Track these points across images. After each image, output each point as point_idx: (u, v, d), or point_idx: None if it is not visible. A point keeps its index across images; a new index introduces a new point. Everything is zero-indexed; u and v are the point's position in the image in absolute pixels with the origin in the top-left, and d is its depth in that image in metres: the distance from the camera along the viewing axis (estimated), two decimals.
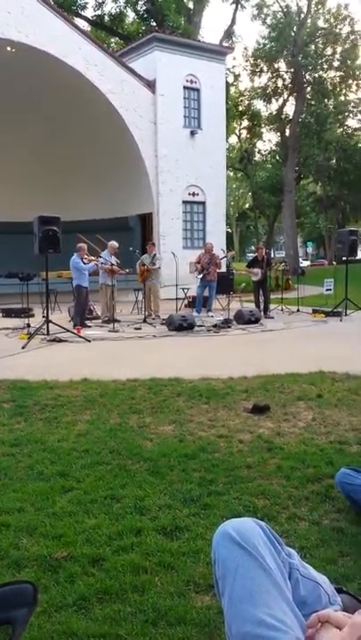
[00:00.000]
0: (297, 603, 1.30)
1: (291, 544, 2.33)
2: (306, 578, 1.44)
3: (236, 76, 38.21)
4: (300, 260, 43.97)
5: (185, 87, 19.65)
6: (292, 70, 35.08)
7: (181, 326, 10.38)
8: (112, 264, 11.85)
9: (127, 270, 12.45)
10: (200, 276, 13.30)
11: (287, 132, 36.45)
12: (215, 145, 20.48)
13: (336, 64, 35.88)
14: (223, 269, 14.66)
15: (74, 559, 2.46)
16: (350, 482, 2.89)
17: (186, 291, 14.35)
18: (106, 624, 2.02)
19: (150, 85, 18.63)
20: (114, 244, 12.31)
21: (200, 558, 2.44)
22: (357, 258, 15.27)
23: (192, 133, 19.75)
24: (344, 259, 13.38)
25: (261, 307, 13.05)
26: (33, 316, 11.96)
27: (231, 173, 47.77)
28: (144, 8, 29.07)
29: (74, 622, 2.02)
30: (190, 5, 30.23)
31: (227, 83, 24.38)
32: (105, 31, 30.94)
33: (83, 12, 28.72)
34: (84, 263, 11.31)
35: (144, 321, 11.91)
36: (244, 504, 2.98)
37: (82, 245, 11.55)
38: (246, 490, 3.16)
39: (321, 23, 35.92)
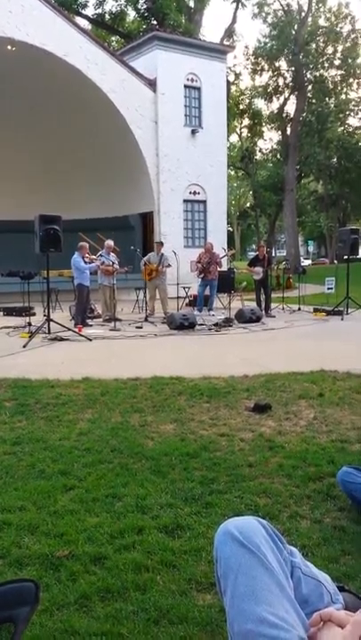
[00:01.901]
0: (299, 601, 1.30)
1: (292, 542, 2.34)
2: (308, 576, 1.44)
3: (237, 75, 38.23)
4: (302, 259, 43.99)
5: (186, 86, 19.63)
6: (293, 69, 35.10)
7: (183, 325, 10.38)
8: (112, 262, 11.86)
9: (126, 268, 12.44)
10: (201, 276, 13.31)
11: (288, 131, 36.47)
12: (216, 144, 20.47)
13: (337, 62, 35.97)
14: (224, 268, 14.67)
15: (75, 558, 2.46)
16: (352, 480, 2.89)
17: (187, 289, 14.34)
18: (108, 622, 2.02)
19: (151, 84, 18.61)
20: (110, 242, 12.30)
21: (202, 557, 2.44)
22: (359, 256, 15.23)
23: (193, 132, 19.73)
24: (345, 257, 13.37)
25: (263, 305, 13.04)
26: (34, 314, 11.95)
27: (232, 172, 47.75)
28: (145, 7, 28.99)
29: (75, 621, 2.02)
30: (191, 4, 30.21)
31: (228, 81, 24.36)
32: (106, 30, 30.92)
33: (83, 11, 28.68)
34: (85, 262, 11.31)
35: (145, 320, 11.92)
36: (245, 503, 2.98)
37: (83, 244, 11.55)
38: (248, 488, 3.16)
39: (322, 22, 36.00)
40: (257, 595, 1.20)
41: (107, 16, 29.91)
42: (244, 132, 43.99)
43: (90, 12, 29.97)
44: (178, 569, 2.37)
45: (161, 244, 13.44)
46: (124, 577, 2.30)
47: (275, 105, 38.87)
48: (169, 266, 12.74)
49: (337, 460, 3.53)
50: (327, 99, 36.95)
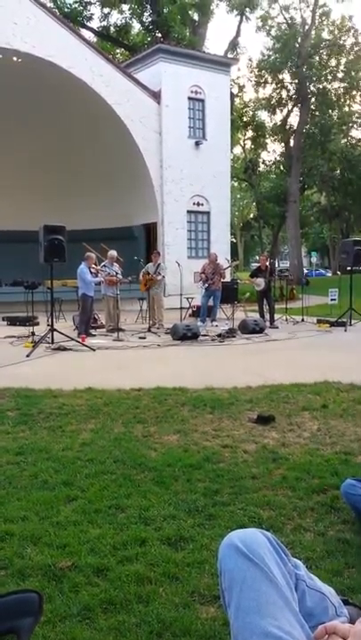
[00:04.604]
0: (303, 614, 1.29)
1: (296, 555, 2.32)
2: (312, 589, 1.43)
3: (241, 87, 38.43)
4: (312, 271, 44.08)
5: (190, 98, 19.76)
6: (297, 81, 35.24)
7: (186, 336, 10.38)
8: (116, 273, 11.89)
9: (129, 279, 12.46)
10: (205, 286, 13.32)
11: (291, 143, 36.56)
12: (220, 155, 20.56)
13: (340, 75, 36.06)
14: (228, 279, 14.68)
15: (78, 569, 2.45)
16: (356, 492, 2.88)
17: (190, 300, 14.35)
18: (110, 634, 2.01)
19: (155, 96, 18.74)
20: (113, 253, 12.33)
21: (205, 569, 2.43)
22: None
23: (197, 144, 19.84)
24: (349, 269, 13.37)
25: (266, 316, 13.03)
26: (38, 324, 11.98)
27: (236, 184, 47.93)
28: (149, 19, 29.23)
29: (78, 632, 2.02)
30: (195, 17, 30.42)
31: (231, 94, 24.47)
32: (111, 42, 31.15)
33: (89, 24, 28.94)
34: (92, 273, 11.35)
35: (148, 330, 11.92)
36: (249, 515, 2.97)
37: (90, 255, 11.59)
38: (251, 500, 3.15)
39: (325, 35, 36.12)
40: (262, 608, 1.20)
41: (112, 29, 30.15)
42: (248, 144, 44.18)
43: (95, 24, 30.32)
44: (181, 581, 2.36)
45: (158, 253, 13.52)
46: (127, 589, 2.29)
47: (278, 117, 39.00)
48: (159, 274, 12.71)
49: (341, 472, 3.52)
50: (330, 111, 37.05)
